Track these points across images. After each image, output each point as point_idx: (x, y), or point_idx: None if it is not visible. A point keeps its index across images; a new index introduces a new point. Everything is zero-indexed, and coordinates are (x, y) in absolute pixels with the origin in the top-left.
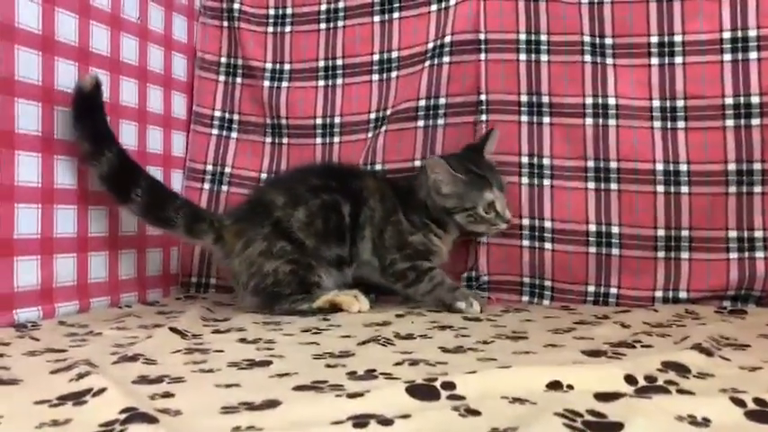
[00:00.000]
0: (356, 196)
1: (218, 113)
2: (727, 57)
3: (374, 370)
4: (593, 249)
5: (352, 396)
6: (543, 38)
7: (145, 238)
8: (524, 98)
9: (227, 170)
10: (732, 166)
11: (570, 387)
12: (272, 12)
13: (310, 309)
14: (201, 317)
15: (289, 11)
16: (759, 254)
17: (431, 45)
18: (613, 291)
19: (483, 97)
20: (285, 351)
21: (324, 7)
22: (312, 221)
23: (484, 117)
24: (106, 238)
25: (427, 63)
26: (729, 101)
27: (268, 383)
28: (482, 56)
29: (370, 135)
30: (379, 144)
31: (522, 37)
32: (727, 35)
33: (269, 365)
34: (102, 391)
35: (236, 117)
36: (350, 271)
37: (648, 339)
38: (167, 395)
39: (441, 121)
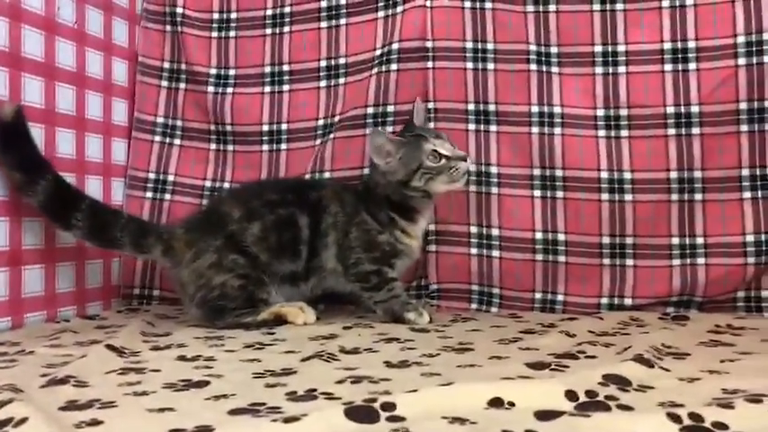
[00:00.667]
0: (315, 205)
1: (160, 120)
2: (668, 67)
3: (314, 389)
4: (539, 257)
5: (288, 420)
6: (490, 46)
7: (84, 249)
8: (471, 106)
9: (171, 178)
10: (674, 174)
11: (511, 404)
12: (216, 16)
13: (254, 321)
14: (141, 332)
15: (233, 15)
16: (700, 260)
17: (378, 52)
18: (560, 298)
19: (431, 105)
20: (224, 370)
21: (270, 12)
22: (266, 236)
23: (431, 125)
24: (42, 250)
25: (375, 70)
26: (671, 110)
27: (202, 407)
28: (429, 63)
29: (318, 142)
30: (327, 152)
31: (469, 45)
32: (667, 46)
33: (206, 386)
34: (23, 421)
35: (179, 123)
36: (306, 286)
37: (592, 349)
38: (94, 423)
39: (389, 129)
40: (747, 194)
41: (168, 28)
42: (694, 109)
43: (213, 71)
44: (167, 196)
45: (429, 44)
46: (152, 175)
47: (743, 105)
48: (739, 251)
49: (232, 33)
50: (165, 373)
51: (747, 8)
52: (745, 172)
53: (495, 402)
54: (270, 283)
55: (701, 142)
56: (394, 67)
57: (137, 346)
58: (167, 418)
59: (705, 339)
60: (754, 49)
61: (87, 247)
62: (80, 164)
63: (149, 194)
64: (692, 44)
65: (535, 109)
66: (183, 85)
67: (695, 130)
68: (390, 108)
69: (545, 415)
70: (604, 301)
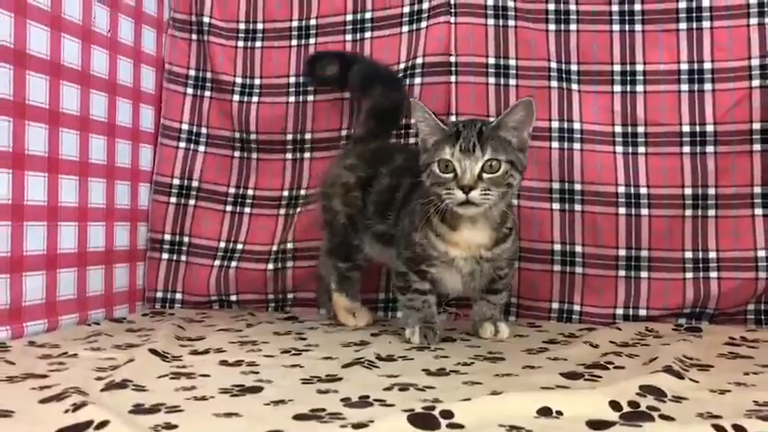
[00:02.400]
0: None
1: (185, 127)
2: (684, 87)
3: (367, 396)
4: (557, 268)
5: (356, 426)
6: (512, 62)
7: (113, 253)
8: (493, 120)
9: (195, 184)
10: (689, 191)
11: (559, 413)
12: (242, 26)
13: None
14: (175, 335)
15: (260, 26)
16: (713, 274)
17: (402, 66)
18: (576, 308)
19: (453, 118)
20: (272, 375)
21: (296, 24)
22: (380, 191)
23: None
24: (75, 254)
25: None
26: (686, 129)
27: (266, 412)
28: (452, 78)
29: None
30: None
31: (492, 61)
32: (684, 66)
33: (261, 392)
34: (104, 424)
35: (203, 131)
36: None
37: (619, 360)
38: (169, 427)
39: (411, 141)
40: (759, 211)
41: (195, 37)
42: (709, 128)
43: (239, 80)
44: (191, 202)
45: (452, 59)
46: (176, 181)
47: (756, 126)
48: (751, 266)
49: (258, 44)
50: (215, 378)
51: (762, 32)
52: (757, 189)
53: (545, 411)
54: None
55: (714, 160)
56: (418, 81)
57: (176, 351)
58: (237, 424)
59: (724, 351)
60: None
61: (115, 252)
62: (110, 169)
63: (174, 200)
64: (707, 65)
65: (555, 125)
66: (208, 93)
67: (710, 149)
68: (413, 120)
69: (597, 425)
70: (619, 311)
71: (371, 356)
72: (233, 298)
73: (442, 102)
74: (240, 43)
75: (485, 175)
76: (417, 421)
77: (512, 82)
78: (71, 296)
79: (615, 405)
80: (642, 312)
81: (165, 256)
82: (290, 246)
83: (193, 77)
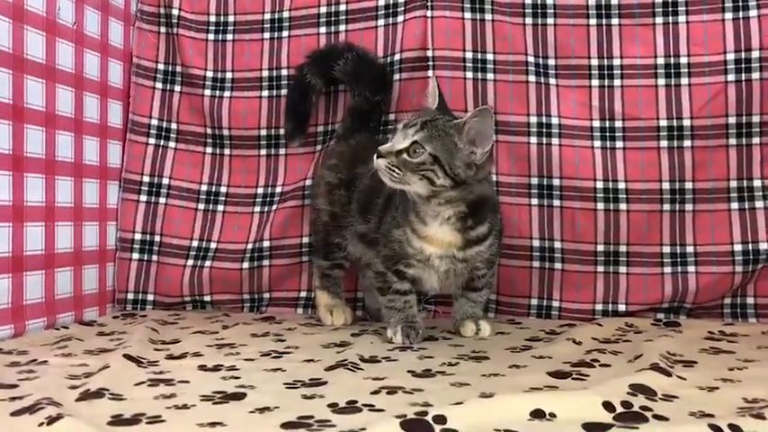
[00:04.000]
0: None
1: (155, 122)
2: (662, 81)
3: (355, 401)
4: (536, 264)
5: None
6: (489, 57)
7: (81, 254)
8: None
9: (165, 181)
10: (666, 185)
11: (553, 415)
12: (212, 19)
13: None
14: (149, 339)
15: (231, 18)
16: (691, 268)
17: (380, 61)
18: (555, 304)
19: None
20: (253, 380)
21: (268, 16)
22: (362, 190)
23: None
24: (41, 255)
25: None
26: (664, 123)
27: (252, 421)
28: (429, 72)
29: (318, 148)
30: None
31: (469, 55)
32: (660, 61)
33: (244, 398)
34: None
35: (173, 126)
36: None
37: (603, 357)
38: None
39: (390, 136)
40: (735, 205)
41: (163, 29)
42: (686, 123)
43: (210, 74)
44: (162, 200)
45: (429, 53)
46: (146, 179)
47: (731, 120)
48: (728, 260)
49: (229, 36)
50: (195, 385)
51: (737, 27)
52: (733, 184)
53: (538, 414)
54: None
55: (692, 154)
56: (396, 77)
57: (152, 355)
58: None
59: (705, 347)
60: (742, 66)
61: (84, 252)
62: (78, 167)
63: (144, 198)
64: (684, 60)
65: (534, 119)
66: (178, 88)
67: (687, 143)
68: (392, 116)
69: (593, 427)
70: (599, 307)
71: (354, 358)
72: (207, 298)
73: (420, 97)
74: (211, 36)
75: (404, 156)
76: (410, 427)
77: (489, 76)
78: (38, 299)
79: (608, 406)
80: (621, 308)
81: (136, 256)
82: (266, 244)
83: (162, 71)
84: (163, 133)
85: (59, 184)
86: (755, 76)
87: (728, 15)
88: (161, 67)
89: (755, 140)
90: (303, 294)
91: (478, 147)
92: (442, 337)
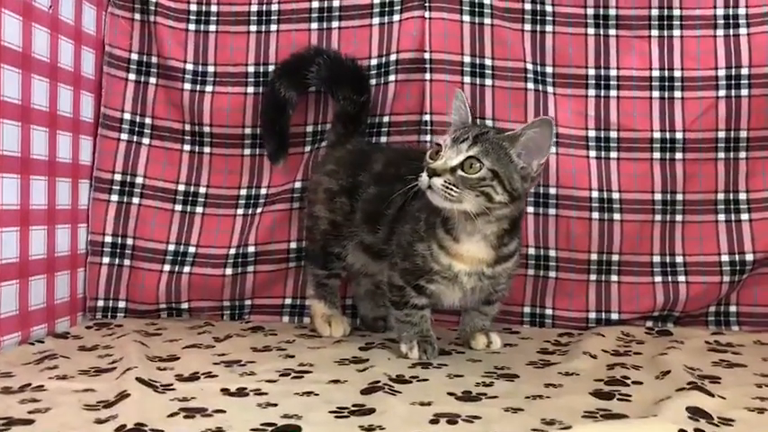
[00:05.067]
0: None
1: (127, 116)
2: (656, 94)
3: None
4: (530, 272)
5: None
6: (488, 62)
7: (54, 260)
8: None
9: (139, 180)
10: (658, 196)
11: None
12: (193, 8)
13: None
14: (146, 356)
15: (214, 8)
16: (681, 278)
17: (374, 61)
18: (549, 312)
19: (427, 117)
20: (293, 407)
21: (255, 8)
22: (369, 199)
23: (428, 137)
24: (16, 264)
25: (373, 81)
26: (657, 135)
27: None
28: (427, 75)
29: (307, 149)
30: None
31: (467, 60)
32: (655, 73)
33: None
34: None
35: (148, 121)
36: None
37: (630, 374)
38: None
39: (383, 139)
40: (722, 217)
41: (138, 16)
42: (678, 135)
43: (190, 67)
44: (135, 200)
45: (426, 56)
46: (118, 177)
47: (721, 134)
48: (716, 270)
49: (212, 27)
50: (235, 415)
51: (728, 43)
52: (720, 196)
53: None
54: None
55: (683, 167)
56: (392, 78)
57: (160, 377)
58: None
59: (715, 359)
60: (733, 82)
61: (56, 258)
62: (52, 165)
63: (115, 197)
64: (677, 73)
65: None
66: (153, 80)
67: (678, 156)
68: (386, 119)
69: None
70: (592, 315)
71: (383, 378)
72: (184, 306)
73: (416, 101)
74: (192, 26)
75: (459, 172)
76: None
77: (488, 82)
78: (13, 312)
79: None
80: (614, 316)
81: (107, 260)
82: (251, 249)
83: (136, 62)
84: (136, 128)
85: (34, 185)
86: (744, 92)
87: (720, 32)
88: (134, 57)
89: (742, 155)
90: (288, 302)
91: (534, 158)
92: (453, 350)
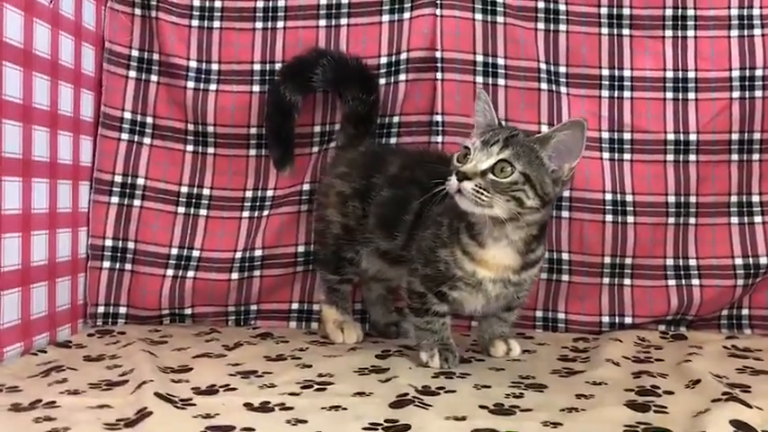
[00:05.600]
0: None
1: (128, 115)
2: (670, 95)
3: None
4: (543, 275)
5: None
6: (500, 61)
7: (55, 265)
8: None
9: (140, 182)
10: (672, 199)
11: None
12: (197, 3)
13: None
14: (158, 367)
15: (218, 4)
16: (695, 281)
17: (384, 60)
18: (561, 316)
19: (438, 118)
20: (325, 425)
21: (261, 4)
22: (382, 204)
23: (440, 138)
24: (18, 270)
25: (383, 81)
26: (671, 137)
27: None
28: (438, 75)
29: (314, 150)
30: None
31: (480, 59)
32: (669, 74)
33: None
34: None
35: (149, 120)
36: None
37: (657, 382)
38: None
39: (393, 140)
40: (735, 219)
41: (138, 11)
42: (692, 137)
43: (193, 64)
44: (137, 202)
45: (438, 54)
46: (119, 178)
47: (735, 136)
48: (729, 273)
49: (216, 24)
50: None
51: (742, 44)
52: (734, 198)
53: None
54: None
55: (696, 169)
56: (402, 77)
57: (179, 391)
58: None
59: (738, 366)
60: (747, 83)
61: (58, 263)
62: (53, 166)
63: (115, 200)
64: (691, 74)
65: (545, 128)
66: (155, 78)
67: (692, 157)
68: (396, 119)
69: None
70: (605, 319)
71: (410, 390)
72: (187, 311)
73: (427, 101)
74: (195, 22)
75: (490, 175)
76: None
77: (500, 82)
78: (15, 321)
79: None
80: (628, 320)
81: (107, 264)
82: (258, 253)
83: (137, 58)
84: (137, 128)
85: (36, 188)
86: (758, 94)
87: (734, 33)
88: (135, 53)
89: (755, 157)
90: (295, 306)
91: (566, 161)
92: (472, 358)
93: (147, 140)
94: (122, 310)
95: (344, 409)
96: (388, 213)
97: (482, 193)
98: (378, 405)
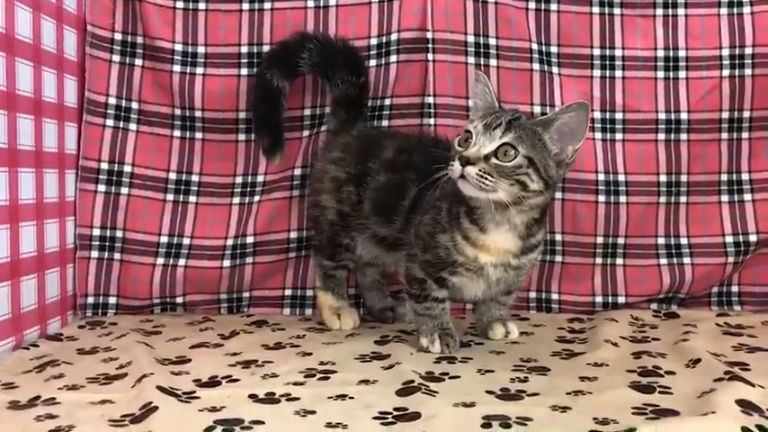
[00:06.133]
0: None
1: (112, 101)
2: (661, 74)
3: None
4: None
5: None
6: (492, 42)
7: (44, 257)
8: (472, 103)
9: (127, 169)
10: (663, 178)
11: None
12: None
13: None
14: (156, 359)
15: None
16: (686, 260)
17: (374, 41)
18: (555, 297)
19: (430, 100)
20: (333, 414)
21: None
22: (379, 188)
23: (432, 121)
24: (7, 263)
25: (374, 62)
26: (662, 116)
27: None
28: (429, 56)
29: (305, 134)
30: (319, 145)
31: (471, 39)
32: (660, 53)
33: None
34: None
35: (134, 105)
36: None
37: (658, 363)
38: None
39: (385, 123)
40: (725, 198)
41: None
42: (683, 116)
43: (179, 47)
44: (124, 190)
45: (429, 35)
46: (105, 165)
47: (725, 115)
48: (720, 251)
49: (201, 5)
50: (277, 428)
51: (732, 23)
52: (724, 177)
53: None
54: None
55: (687, 148)
56: (393, 58)
57: (180, 383)
58: None
59: (734, 343)
60: (736, 62)
61: (46, 254)
62: (39, 155)
63: (102, 188)
64: (682, 53)
65: (537, 109)
66: (139, 62)
67: (683, 136)
68: (387, 101)
69: None
70: (598, 299)
71: (415, 377)
72: (179, 300)
73: (418, 82)
74: (180, 4)
75: (493, 160)
76: None
77: (492, 62)
78: (5, 316)
79: None
80: (621, 299)
81: (95, 254)
82: (249, 240)
83: (120, 42)
84: (122, 114)
85: (22, 178)
86: (748, 72)
87: (724, 11)
88: (118, 36)
89: (745, 135)
90: (288, 293)
91: (569, 144)
92: (471, 341)
93: (132, 126)
94: (112, 300)
95: (351, 398)
96: (385, 198)
97: (486, 178)
98: (384, 393)
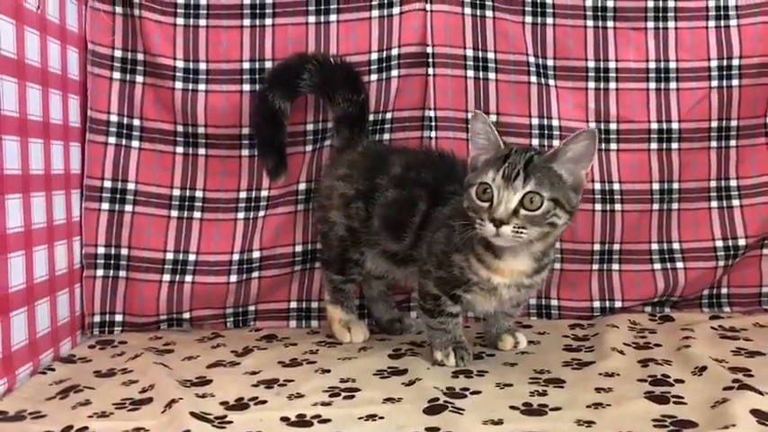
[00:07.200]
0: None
1: (114, 118)
2: (653, 85)
3: None
4: None
5: None
6: (490, 55)
7: (55, 279)
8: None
9: (131, 186)
10: (656, 186)
11: None
12: (181, 0)
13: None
14: (177, 381)
15: (203, 1)
16: (679, 264)
17: (375, 56)
18: (554, 303)
19: (430, 113)
20: None
21: (248, 1)
22: (387, 205)
23: (433, 134)
24: (23, 289)
25: (374, 77)
26: (654, 126)
27: None
28: (430, 70)
29: (308, 149)
30: (323, 161)
31: (470, 53)
32: (652, 65)
33: None
34: None
35: (136, 122)
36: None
37: (666, 371)
38: None
39: (386, 136)
40: (715, 204)
41: (119, 9)
42: (674, 126)
43: (180, 64)
44: (128, 207)
45: (429, 50)
46: (108, 183)
47: (713, 124)
48: (711, 255)
49: (202, 22)
50: None
51: (719, 35)
52: (713, 183)
53: None
54: (367, 250)
55: (679, 156)
56: (394, 73)
57: (209, 408)
58: None
59: (732, 347)
60: (724, 73)
61: (57, 277)
62: (48, 178)
63: (106, 206)
64: (673, 65)
65: (535, 121)
66: (140, 78)
67: (674, 145)
68: (389, 115)
69: None
70: (596, 304)
71: (438, 394)
72: (185, 315)
73: (419, 95)
74: (180, 20)
75: (522, 211)
76: None
77: (491, 76)
78: (23, 342)
79: None
80: (618, 304)
81: (101, 272)
82: (256, 254)
83: (120, 59)
84: (124, 131)
85: (34, 203)
86: (735, 83)
87: (711, 24)
88: (118, 53)
89: (732, 143)
90: (294, 305)
91: (581, 169)
92: (481, 353)
93: (135, 143)
94: (119, 317)
95: (381, 418)
96: (394, 214)
97: (521, 232)
98: (412, 412)
